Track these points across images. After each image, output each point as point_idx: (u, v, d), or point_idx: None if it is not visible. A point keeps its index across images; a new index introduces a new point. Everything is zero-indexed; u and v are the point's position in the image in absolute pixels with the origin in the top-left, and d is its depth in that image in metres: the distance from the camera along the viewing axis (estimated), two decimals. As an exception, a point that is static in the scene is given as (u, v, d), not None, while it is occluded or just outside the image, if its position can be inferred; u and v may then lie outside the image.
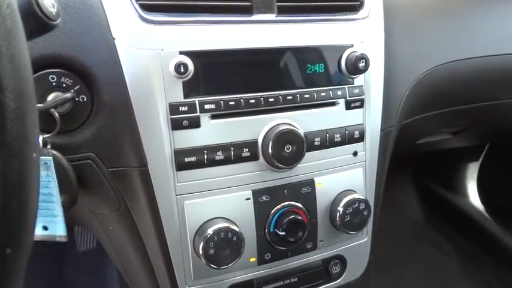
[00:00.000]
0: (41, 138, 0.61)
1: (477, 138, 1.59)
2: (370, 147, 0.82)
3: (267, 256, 0.75)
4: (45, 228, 0.65)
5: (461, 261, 1.90)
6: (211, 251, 0.67)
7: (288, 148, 0.70)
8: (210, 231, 0.66)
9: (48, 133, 0.62)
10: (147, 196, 0.67)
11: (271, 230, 0.73)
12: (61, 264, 1.71)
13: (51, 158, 0.61)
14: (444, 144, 1.59)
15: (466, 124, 1.38)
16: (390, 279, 1.82)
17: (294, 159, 0.71)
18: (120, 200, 0.68)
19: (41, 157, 0.60)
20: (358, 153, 0.80)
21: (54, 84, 0.62)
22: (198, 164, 0.67)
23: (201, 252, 0.67)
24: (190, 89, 0.66)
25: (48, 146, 0.62)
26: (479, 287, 1.77)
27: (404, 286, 1.82)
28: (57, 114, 0.61)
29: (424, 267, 1.92)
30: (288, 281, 0.78)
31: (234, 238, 0.68)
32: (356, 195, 0.77)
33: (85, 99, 0.64)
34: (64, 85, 0.62)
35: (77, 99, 0.63)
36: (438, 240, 2.01)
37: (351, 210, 0.77)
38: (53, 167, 0.61)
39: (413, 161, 2.13)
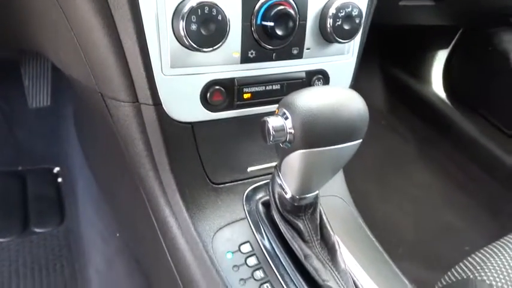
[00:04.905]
0: None
1: (456, 13, 1.56)
2: None
3: (251, 53, 0.69)
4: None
5: (419, 145, 1.98)
6: (193, 27, 0.59)
7: None
8: (193, 2, 0.58)
9: None
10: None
11: (258, 22, 0.66)
12: (11, 122, 1.60)
13: None
14: (422, 18, 1.56)
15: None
16: (350, 160, 1.88)
17: None
18: None
19: None
20: None
21: None
22: None
23: (181, 31, 0.59)
24: None
25: None
26: (434, 167, 1.87)
27: (364, 168, 1.88)
28: None
29: (383, 151, 2.00)
30: (270, 87, 0.73)
31: (219, 17, 0.60)
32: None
33: None
34: None
35: None
36: (398, 126, 2.07)
37: (343, 13, 0.71)
38: None
39: (382, 48, 2.11)
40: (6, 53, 1.34)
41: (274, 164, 0.76)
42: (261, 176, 0.79)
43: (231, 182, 0.76)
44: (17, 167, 1.59)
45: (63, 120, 1.60)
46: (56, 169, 1.61)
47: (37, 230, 1.34)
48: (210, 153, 0.73)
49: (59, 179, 1.57)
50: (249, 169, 0.77)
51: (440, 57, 1.95)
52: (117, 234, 1.10)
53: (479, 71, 1.81)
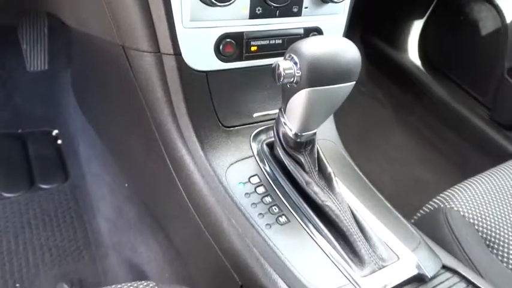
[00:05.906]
0: None
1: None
2: None
3: (258, 10, 0.78)
4: None
5: (396, 110, 2.13)
6: (212, -16, 0.69)
7: None
8: None
9: None
10: None
11: (265, -17, 0.76)
12: (9, 86, 1.64)
13: None
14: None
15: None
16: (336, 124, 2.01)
17: None
18: None
19: None
20: None
21: None
22: None
23: None
24: None
25: None
26: (409, 129, 2.03)
27: (346, 131, 2.01)
28: None
29: (362, 115, 2.13)
30: (273, 41, 0.84)
31: None
32: None
33: None
34: None
35: None
36: (377, 92, 2.21)
37: (337, -25, 0.81)
38: None
39: (362, 19, 2.21)
40: (9, 12, 1.38)
41: (275, 111, 0.87)
42: (264, 121, 0.90)
43: (240, 125, 0.87)
44: (16, 129, 1.64)
45: (59, 84, 1.65)
46: (55, 131, 1.67)
47: (43, 186, 1.42)
48: (221, 100, 0.83)
49: (59, 141, 1.64)
50: (255, 115, 0.88)
51: (416, 27, 2.08)
52: (126, 185, 1.20)
53: (451, 40, 1.95)
